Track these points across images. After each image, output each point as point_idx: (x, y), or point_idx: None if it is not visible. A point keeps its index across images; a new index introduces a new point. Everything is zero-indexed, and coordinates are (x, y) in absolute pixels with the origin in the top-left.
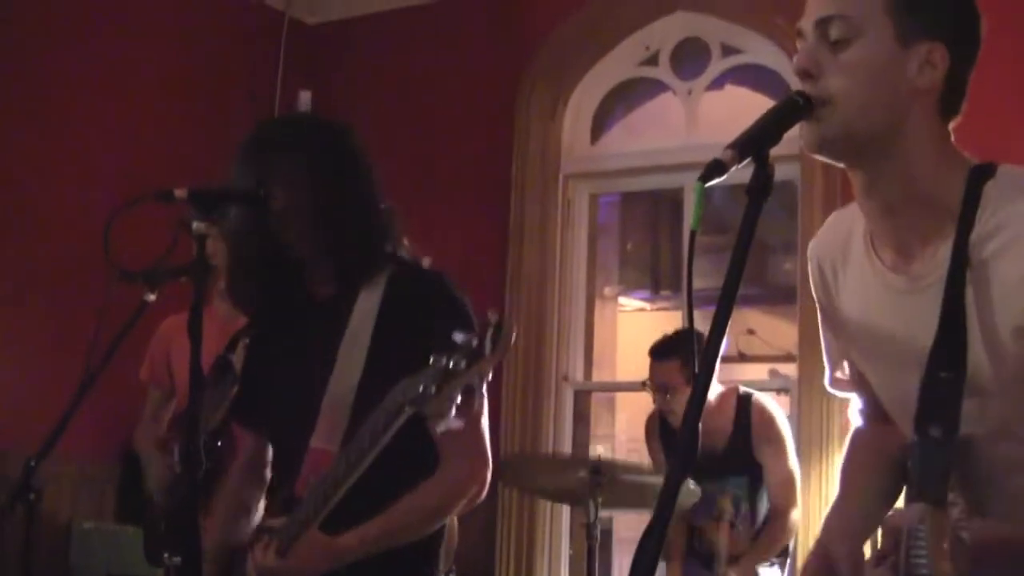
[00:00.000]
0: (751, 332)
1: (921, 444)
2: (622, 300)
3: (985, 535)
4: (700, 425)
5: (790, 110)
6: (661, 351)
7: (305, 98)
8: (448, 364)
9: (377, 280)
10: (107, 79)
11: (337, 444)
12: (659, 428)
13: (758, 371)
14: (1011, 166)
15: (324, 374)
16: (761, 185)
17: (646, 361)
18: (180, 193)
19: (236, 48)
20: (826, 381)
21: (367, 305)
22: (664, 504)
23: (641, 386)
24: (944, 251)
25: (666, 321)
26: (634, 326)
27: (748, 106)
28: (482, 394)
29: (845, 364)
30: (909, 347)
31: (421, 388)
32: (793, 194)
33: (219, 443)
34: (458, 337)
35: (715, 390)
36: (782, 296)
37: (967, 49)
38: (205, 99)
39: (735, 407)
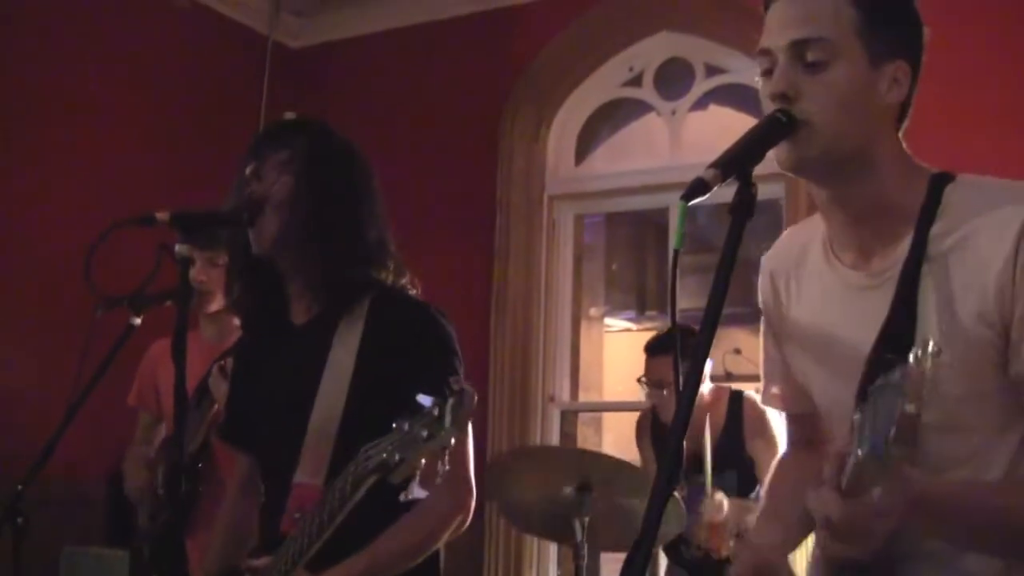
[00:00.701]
0: (738, 351)
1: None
2: (608, 320)
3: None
4: (690, 421)
5: (772, 129)
6: (656, 347)
7: (290, 117)
8: (410, 433)
9: (358, 307)
10: (90, 104)
11: (321, 478)
12: (650, 427)
13: (747, 389)
14: (969, 174)
15: (305, 405)
16: (744, 204)
17: (633, 381)
18: (162, 216)
19: (220, 72)
20: (760, 397)
21: (348, 334)
22: (651, 519)
23: (636, 382)
24: (903, 247)
25: None
26: (620, 346)
27: (732, 126)
28: (462, 433)
29: (779, 381)
30: (862, 345)
31: (384, 456)
32: (778, 213)
33: (200, 465)
34: (424, 401)
35: (707, 386)
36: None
37: (919, 62)
38: (189, 123)
39: (727, 403)
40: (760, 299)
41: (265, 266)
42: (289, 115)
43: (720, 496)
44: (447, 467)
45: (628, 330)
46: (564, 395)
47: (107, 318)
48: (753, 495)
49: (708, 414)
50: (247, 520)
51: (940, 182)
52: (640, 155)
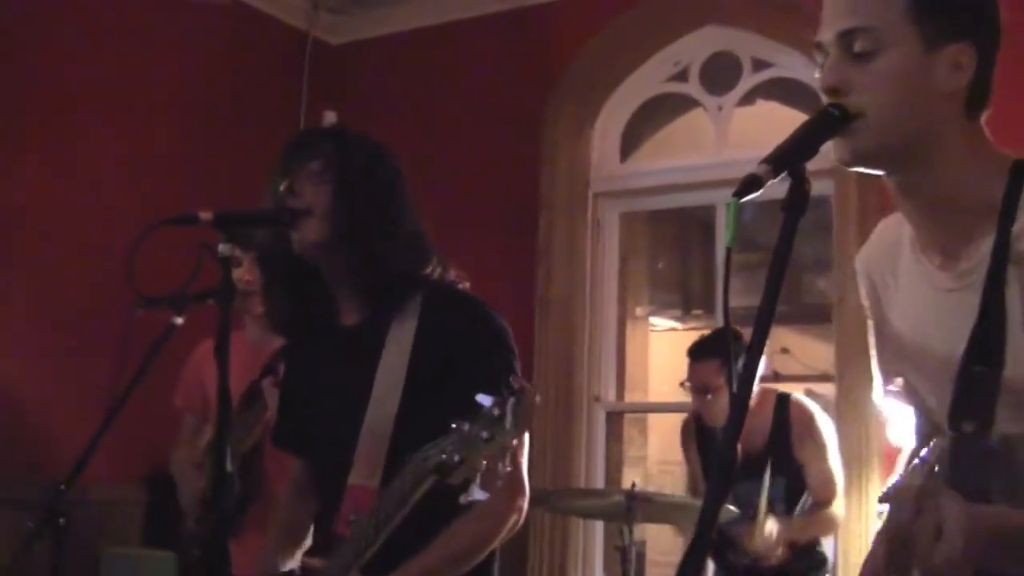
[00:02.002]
0: (785, 351)
1: (954, 440)
2: (653, 320)
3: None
4: (747, 430)
5: (825, 124)
6: (700, 351)
7: (330, 118)
8: (470, 434)
9: (410, 306)
10: (127, 102)
11: (376, 480)
12: (695, 432)
13: (793, 391)
14: None
15: (359, 407)
16: (797, 201)
17: (678, 381)
18: (205, 215)
19: (259, 70)
20: (878, 393)
21: (401, 334)
22: (705, 523)
23: (680, 386)
24: (986, 246)
25: None
26: (665, 346)
27: (780, 121)
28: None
29: (895, 379)
30: (953, 353)
31: (444, 456)
32: (827, 210)
33: (251, 468)
34: (483, 401)
35: (753, 391)
36: (817, 315)
37: (991, 42)
38: (228, 121)
39: (773, 406)
40: (862, 297)
41: (307, 268)
42: (329, 114)
43: (770, 527)
44: (508, 468)
45: (673, 329)
46: (610, 396)
47: (148, 320)
48: (802, 503)
49: (753, 419)
50: (302, 522)
51: (1021, 171)
52: (686, 151)
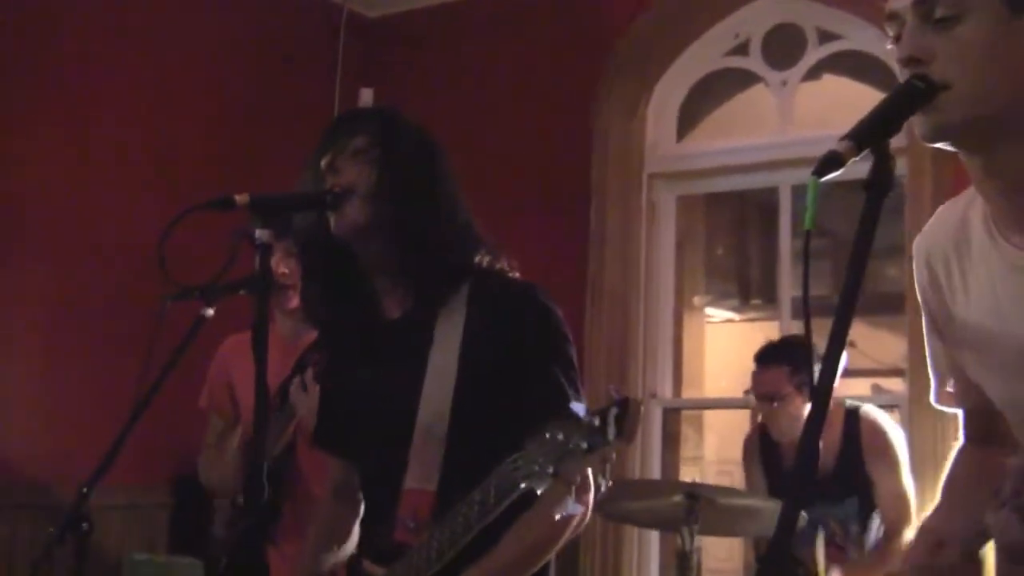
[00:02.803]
0: (851, 344)
1: None
2: (708, 311)
3: None
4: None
5: (909, 96)
6: (767, 357)
7: (366, 96)
8: (567, 443)
9: (457, 296)
10: (152, 82)
11: (433, 483)
12: (759, 447)
13: (860, 386)
14: None
15: (409, 406)
16: (881, 180)
17: (736, 376)
18: (241, 199)
19: (290, 45)
20: (932, 396)
21: (449, 327)
22: (782, 537)
23: (743, 396)
24: None
25: (757, 332)
26: (722, 338)
27: (848, 97)
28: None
29: (948, 377)
30: None
31: (536, 468)
32: (900, 191)
33: (283, 472)
34: (578, 409)
35: None
36: (886, 305)
37: None
38: (258, 102)
39: (843, 421)
40: (917, 289)
41: (346, 256)
42: (365, 92)
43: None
44: (610, 482)
45: (730, 321)
46: (666, 392)
47: (172, 315)
48: (875, 527)
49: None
50: (342, 528)
51: None
52: (747, 130)
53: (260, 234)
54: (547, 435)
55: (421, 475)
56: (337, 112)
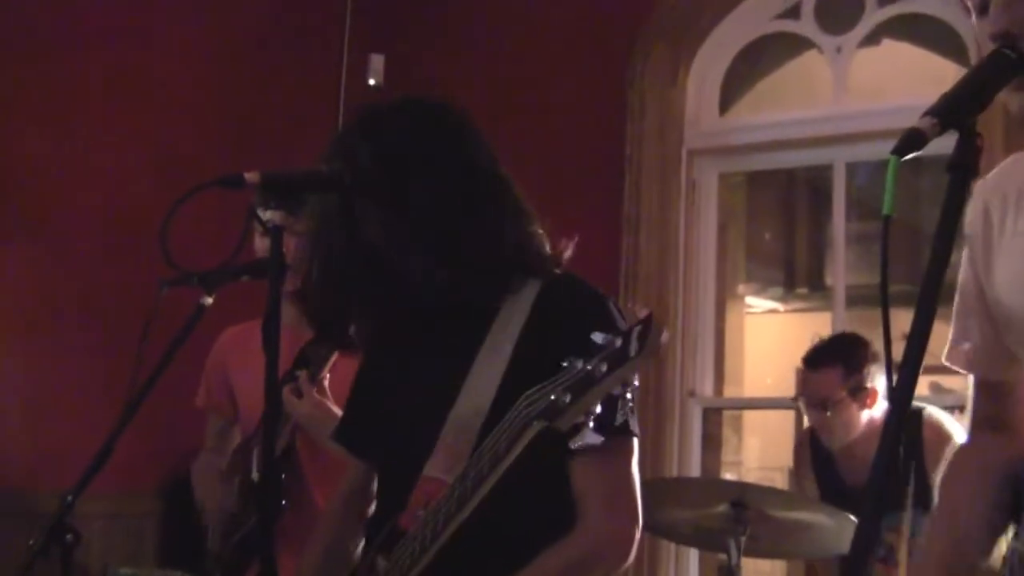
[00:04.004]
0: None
1: None
2: (749, 300)
3: None
4: (865, 449)
5: (1000, 68)
6: (818, 358)
7: (377, 63)
8: (585, 368)
9: (522, 293)
10: (146, 49)
11: (455, 475)
12: (811, 453)
13: (918, 385)
14: None
15: (449, 393)
16: (967, 159)
17: (779, 372)
18: (251, 177)
19: (293, 9)
20: (944, 352)
21: (509, 322)
22: (859, 554)
23: (792, 402)
24: None
25: (802, 324)
26: (764, 331)
27: (910, 65)
28: (630, 421)
29: (973, 333)
30: None
31: (553, 397)
32: None
33: (283, 475)
34: (597, 337)
35: (880, 407)
36: (947, 294)
37: None
38: (258, 71)
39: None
40: (966, 228)
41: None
42: (376, 59)
43: None
44: (631, 404)
45: (774, 311)
46: (707, 390)
47: (163, 307)
48: None
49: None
50: (349, 540)
51: None
52: (798, 102)
53: (272, 215)
54: (566, 364)
55: (444, 464)
56: (344, 82)
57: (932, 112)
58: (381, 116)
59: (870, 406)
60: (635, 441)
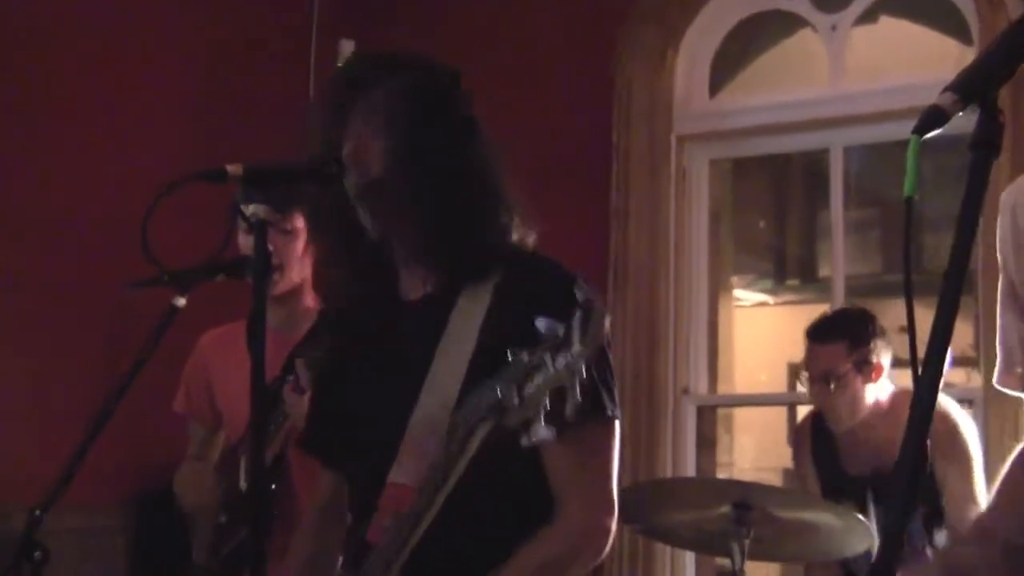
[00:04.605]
0: (904, 329)
1: None
2: (738, 293)
3: None
4: (869, 436)
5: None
6: (823, 331)
7: (347, 49)
8: (531, 363)
9: (485, 279)
10: (110, 37)
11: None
12: (811, 436)
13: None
14: None
15: (412, 391)
16: (989, 137)
17: (772, 368)
18: (234, 170)
19: None
20: (996, 376)
21: (470, 307)
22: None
23: (795, 369)
24: None
25: (794, 318)
26: (754, 325)
27: (909, 44)
28: (605, 406)
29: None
30: None
31: (500, 394)
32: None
33: (272, 485)
34: (541, 324)
35: (886, 388)
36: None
37: None
38: (226, 58)
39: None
40: (998, 246)
41: (360, 229)
42: (346, 44)
43: None
44: (579, 399)
45: (764, 304)
46: (700, 387)
47: (135, 304)
48: (937, 537)
49: (885, 427)
50: (328, 553)
51: None
52: (792, 83)
53: (255, 209)
54: (511, 358)
55: (410, 470)
56: (313, 69)
57: (952, 87)
58: (393, 60)
59: (875, 380)
60: (610, 426)
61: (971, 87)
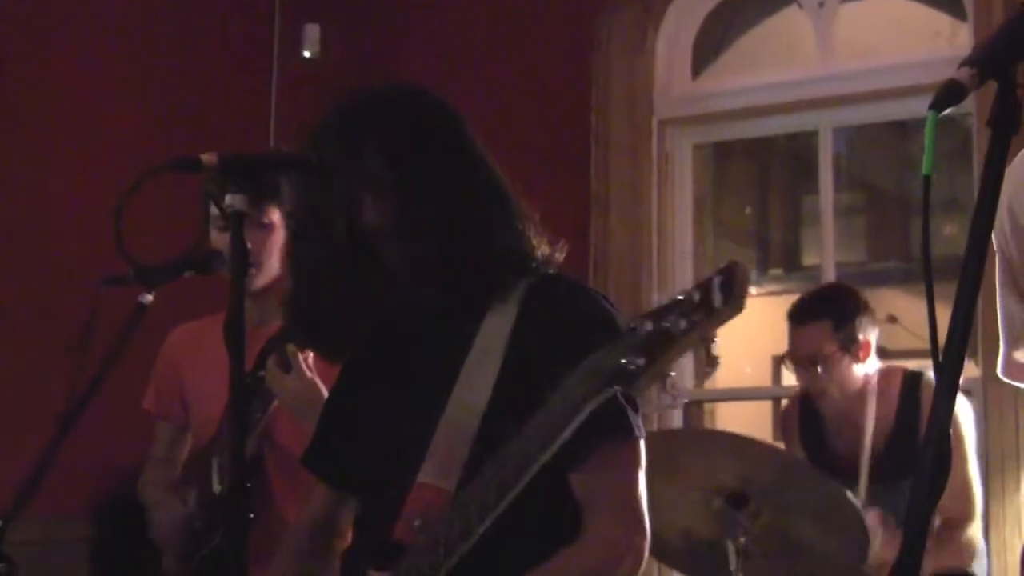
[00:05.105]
0: (892, 320)
1: None
2: None
3: None
4: (857, 414)
5: None
6: (804, 313)
7: (312, 33)
8: (657, 328)
9: (512, 293)
10: (66, 29)
11: (452, 482)
12: (799, 421)
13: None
14: None
15: (440, 398)
16: (1009, 114)
17: (754, 362)
18: (209, 159)
19: None
20: (999, 366)
21: (498, 322)
22: (914, 542)
23: (780, 362)
24: None
25: (778, 309)
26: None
27: (901, 20)
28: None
29: None
30: None
31: (623, 360)
32: (965, 136)
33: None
34: (672, 294)
35: (874, 366)
36: (940, 270)
37: None
38: (187, 43)
39: (900, 388)
40: (995, 234)
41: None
42: (311, 29)
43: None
44: (716, 353)
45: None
46: (687, 381)
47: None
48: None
49: (875, 405)
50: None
51: None
52: (778, 63)
53: (232, 200)
54: (633, 327)
55: (439, 471)
56: (277, 55)
57: (970, 61)
58: (378, 105)
59: (863, 359)
60: (637, 446)
61: (990, 61)
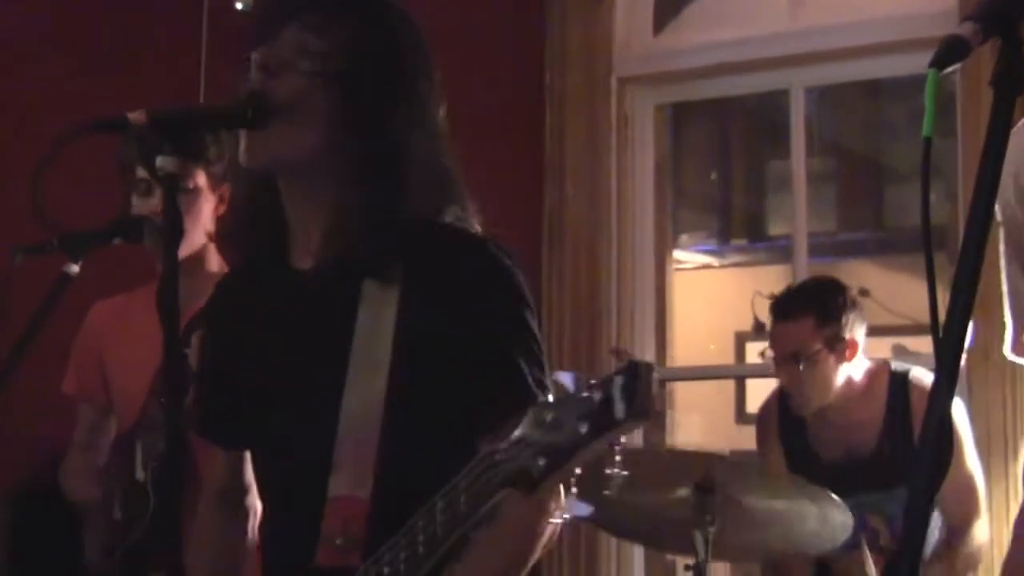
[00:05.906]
0: (865, 293)
1: None
2: (679, 255)
3: None
4: (842, 417)
5: None
6: (788, 307)
7: None
8: (558, 424)
9: (391, 254)
10: None
11: (367, 489)
12: (779, 419)
13: (877, 346)
14: None
15: (333, 387)
16: (1012, 72)
17: (718, 338)
18: (136, 117)
19: None
20: (1007, 345)
21: (381, 289)
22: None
23: (760, 357)
24: None
25: (740, 281)
26: (695, 290)
27: None
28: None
29: None
30: None
31: (523, 462)
32: (950, 100)
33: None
34: (565, 380)
35: (860, 366)
36: (911, 242)
37: None
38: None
39: (887, 389)
40: (998, 208)
41: (261, 185)
42: None
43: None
44: (623, 472)
45: (707, 267)
46: (648, 359)
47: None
48: (933, 527)
49: (862, 407)
50: (235, 546)
51: None
52: (746, 18)
53: (163, 161)
54: (532, 416)
55: (351, 479)
56: (206, 20)
57: (974, 17)
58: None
59: (849, 359)
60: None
61: (995, 16)
